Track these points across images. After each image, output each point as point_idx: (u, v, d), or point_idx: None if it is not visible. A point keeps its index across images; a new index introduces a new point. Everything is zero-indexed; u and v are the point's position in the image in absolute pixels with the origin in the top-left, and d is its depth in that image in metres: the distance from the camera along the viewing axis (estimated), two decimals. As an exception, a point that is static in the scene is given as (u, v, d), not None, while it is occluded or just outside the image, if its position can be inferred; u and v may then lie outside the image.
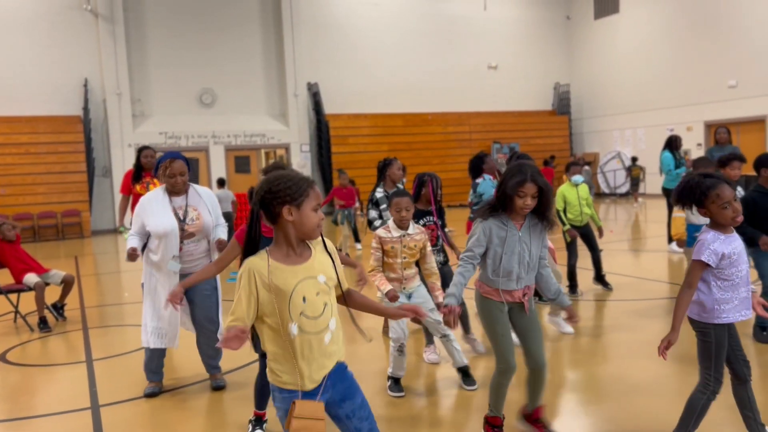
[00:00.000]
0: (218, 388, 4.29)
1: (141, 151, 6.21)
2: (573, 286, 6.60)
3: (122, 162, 17.38)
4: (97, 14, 17.34)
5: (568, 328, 5.30)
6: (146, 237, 4.13)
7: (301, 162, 19.59)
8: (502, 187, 2.98)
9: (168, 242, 4.03)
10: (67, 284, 6.80)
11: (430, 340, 4.73)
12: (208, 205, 4.16)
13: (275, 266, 2.02)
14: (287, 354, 2.02)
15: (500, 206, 3.02)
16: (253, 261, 2.04)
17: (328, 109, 19.95)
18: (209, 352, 4.32)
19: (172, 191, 4.08)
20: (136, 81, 17.98)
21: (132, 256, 4.00)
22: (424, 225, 4.45)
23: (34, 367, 5.12)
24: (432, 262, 4.01)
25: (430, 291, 4.05)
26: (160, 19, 18.22)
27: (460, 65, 21.74)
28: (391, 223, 3.95)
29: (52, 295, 6.99)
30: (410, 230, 3.96)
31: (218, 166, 18.83)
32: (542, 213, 3.01)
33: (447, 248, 4.79)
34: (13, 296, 6.94)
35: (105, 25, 17.37)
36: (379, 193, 5.23)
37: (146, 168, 6.16)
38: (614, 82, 22.26)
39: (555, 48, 23.63)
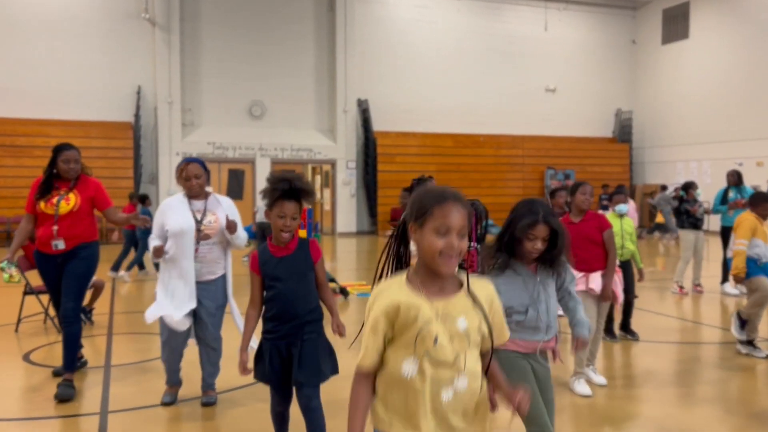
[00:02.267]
0: (208, 404, 4.39)
1: (59, 152, 4.65)
2: (608, 329, 6.20)
3: (169, 170, 17.97)
4: (155, 23, 18.09)
5: (600, 378, 4.85)
6: (165, 240, 4.28)
7: (347, 179, 19.87)
8: (509, 227, 2.78)
9: (183, 242, 4.19)
10: (96, 289, 7.09)
11: None
12: (228, 212, 4.33)
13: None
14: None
15: (505, 249, 2.79)
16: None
17: (377, 126, 20.17)
18: (209, 369, 4.45)
19: (191, 195, 4.28)
20: (187, 90, 18.61)
21: (158, 251, 4.20)
22: (468, 249, 4.41)
23: (54, 369, 5.35)
24: None
25: None
26: (215, 30, 18.86)
27: (516, 86, 21.68)
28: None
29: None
30: None
31: (264, 179, 19.12)
32: (552, 258, 2.78)
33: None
34: (44, 297, 7.26)
35: (161, 34, 18.11)
36: None
37: (63, 176, 4.70)
38: (680, 110, 21.78)
39: (618, 73, 23.32)
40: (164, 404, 4.39)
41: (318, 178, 20.96)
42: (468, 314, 1.79)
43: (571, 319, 3.00)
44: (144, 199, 11.46)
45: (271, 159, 19.32)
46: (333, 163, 19.90)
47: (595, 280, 4.72)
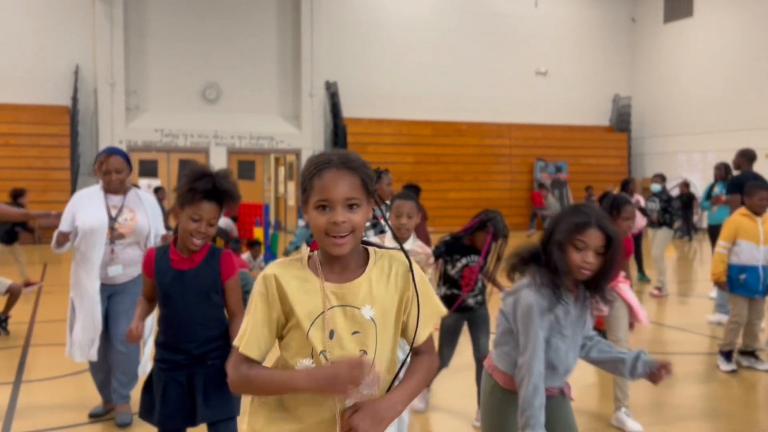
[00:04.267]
0: (122, 425, 4.28)
1: None
2: None
3: (111, 160, 17.71)
4: (95, -6, 17.86)
5: (635, 425, 4.39)
6: (74, 235, 4.27)
7: None
8: (550, 233, 2.44)
9: (94, 240, 4.18)
10: (12, 294, 6.97)
11: None
12: (148, 211, 4.33)
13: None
14: None
15: (546, 262, 2.41)
16: None
17: (347, 112, 20.08)
18: (120, 378, 4.37)
19: (108, 189, 4.27)
20: (132, 71, 18.38)
21: (61, 238, 4.17)
22: (466, 265, 4.31)
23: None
24: None
25: None
26: (164, 3, 18.65)
27: (503, 69, 21.71)
28: (389, 233, 3.86)
29: (-3, 305, 7.16)
30: (409, 244, 3.79)
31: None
32: (598, 282, 2.41)
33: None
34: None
35: (102, 6, 17.86)
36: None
37: None
38: (684, 96, 21.98)
39: (616, 54, 23.45)
40: (91, 416, 4.45)
41: (281, 170, 20.87)
42: (376, 300, 1.73)
43: (621, 360, 2.57)
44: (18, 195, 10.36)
45: (228, 148, 19.19)
46: (298, 153, 19.80)
47: (628, 292, 4.39)
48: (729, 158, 8.35)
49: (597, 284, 2.41)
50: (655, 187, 9.62)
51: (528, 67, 22.15)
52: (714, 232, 8.58)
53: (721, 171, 8.89)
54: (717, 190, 8.81)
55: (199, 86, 19.04)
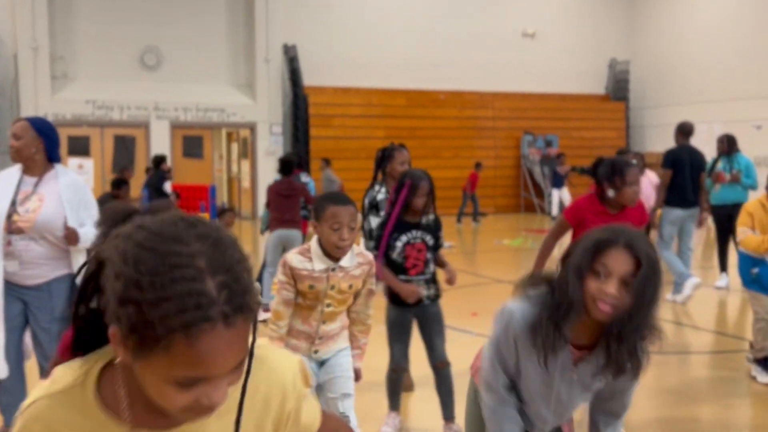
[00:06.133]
0: None
1: None
2: None
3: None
4: (13, -56, 17.32)
5: None
6: None
7: (271, 147, 19.51)
8: (567, 255, 2.18)
9: None
10: None
11: (394, 405, 4.41)
12: (65, 200, 4.00)
13: None
14: None
15: (560, 302, 2.11)
16: None
17: (309, 80, 19.79)
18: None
19: (25, 170, 4.02)
20: (58, 33, 17.95)
21: None
22: (408, 242, 4.15)
23: None
24: (369, 308, 3.49)
25: (351, 344, 3.55)
26: (95, -46, 18.26)
27: (485, 30, 21.45)
28: (314, 245, 3.31)
29: None
30: (346, 261, 3.32)
31: (161, 148, 18.65)
32: (623, 328, 2.05)
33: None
34: None
35: (21, -42, 17.42)
36: (381, 194, 5.02)
37: None
38: (688, 61, 21.80)
39: (612, 14, 23.30)
40: None
41: (234, 147, 20.61)
42: None
43: None
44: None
45: (171, 122, 18.92)
46: (252, 127, 19.61)
47: None
48: (736, 129, 8.47)
49: (620, 331, 2.04)
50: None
51: (513, 28, 21.97)
52: (719, 212, 8.73)
53: (724, 144, 8.88)
54: (720, 166, 8.81)
55: (137, 51, 18.69)
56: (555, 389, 2.26)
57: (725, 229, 8.59)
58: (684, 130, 8.31)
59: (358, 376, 3.47)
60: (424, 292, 4.21)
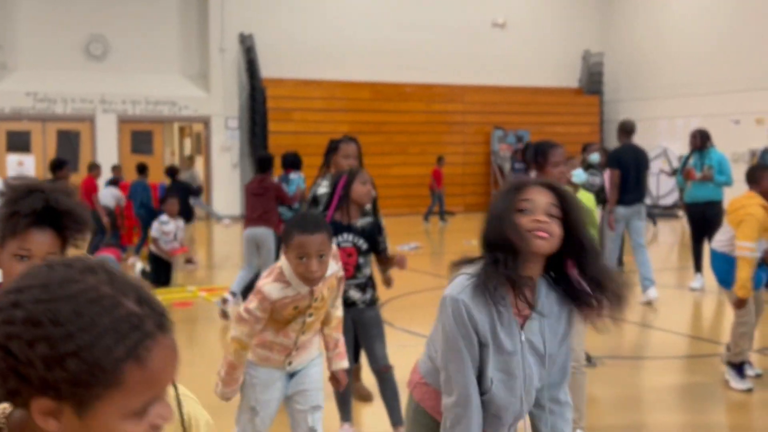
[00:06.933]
0: None
1: None
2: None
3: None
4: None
5: None
6: None
7: (226, 143, 19.48)
8: (488, 214, 2.30)
9: None
10: None
11: (345, 416, 4.45)
12: None
13: None
14: None
15: (498, 251, 2.20)
16: None
17: (267, 71, 19.71)
18: None
19: None
20: (-5, 20, 17.80)
21: None
22: (338, 245, 4.02)
23: None
24: (339, 297, 3.58)
25: (325, 348, 3.56)
26: (35, -65, 18.09)
27: (454, 20, 21.47)
28: (287, 270, 3.17)
29: None
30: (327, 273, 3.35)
31: (108, 144, 18.61)
32: (573, 255, 2.26)
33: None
34: None
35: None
36: (322, 188, 4.91)
37: None
38: (664, 54, 21.94)
39: (586, 4, 23.47)
40: None
41: (187, 142, 20.37)
42: None
43: None
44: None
45: (119, 116, 18.85)
46: (206, 122, 19.61)
47: None
48: (714, 124, 8.54)
49: (563, 253, 2.23)
50: (594, 157, 9.28)
51: (483, 17, 21.98)
52: (692, 211, 8.84)
53: (697, 139, 8.91)
54: (692, 162, 8.87)
55: (82, 39, 18.56)
56: (513, 368, 2.29)
57: (699, 228, 8.61)
58: (626, 129, 8.57)
59: (343, 379, 3.51)
60: (356, 295, 4.31)
